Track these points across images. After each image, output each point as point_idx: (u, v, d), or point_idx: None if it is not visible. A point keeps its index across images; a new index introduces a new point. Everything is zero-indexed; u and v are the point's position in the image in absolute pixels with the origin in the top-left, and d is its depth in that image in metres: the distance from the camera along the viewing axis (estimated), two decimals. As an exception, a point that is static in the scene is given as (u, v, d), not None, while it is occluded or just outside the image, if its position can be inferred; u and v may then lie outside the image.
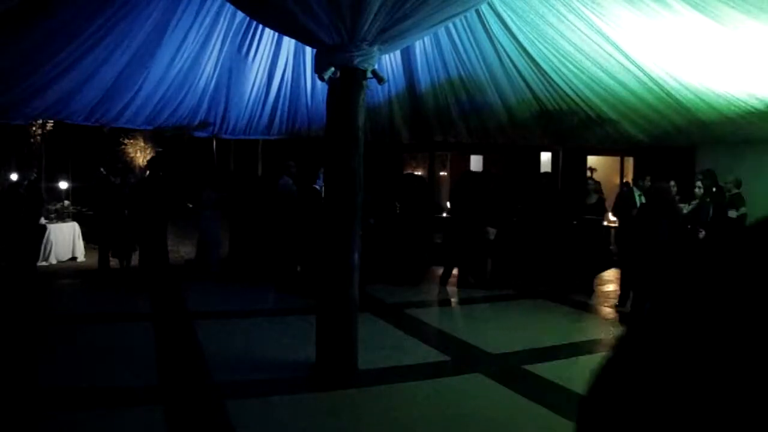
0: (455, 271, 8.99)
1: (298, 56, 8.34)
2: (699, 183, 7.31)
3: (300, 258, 8.30)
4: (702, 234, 6.93)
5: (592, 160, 14.35)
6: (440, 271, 9.90)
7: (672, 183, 6.69)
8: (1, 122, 9.26)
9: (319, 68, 4.86)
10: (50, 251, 9.49)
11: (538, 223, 9.07)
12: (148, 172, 7.99)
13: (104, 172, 8.46)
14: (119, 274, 8.34)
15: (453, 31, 7.36)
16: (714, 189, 7.26)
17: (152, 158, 8.01)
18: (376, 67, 4.92)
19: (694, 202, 7.11)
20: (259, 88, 8.97)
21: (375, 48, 4.80)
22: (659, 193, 6.59)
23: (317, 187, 8.06)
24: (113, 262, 8.66)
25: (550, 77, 7.60)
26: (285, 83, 8.95)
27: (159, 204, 7.79)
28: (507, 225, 8.62)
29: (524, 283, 8.75)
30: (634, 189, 7.79)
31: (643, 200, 7.62)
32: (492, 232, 8.39)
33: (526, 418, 4.23)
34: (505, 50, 7.37)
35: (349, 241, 4.89)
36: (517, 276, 8.91)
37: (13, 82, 7.05)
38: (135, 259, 8.50)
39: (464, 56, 7.86)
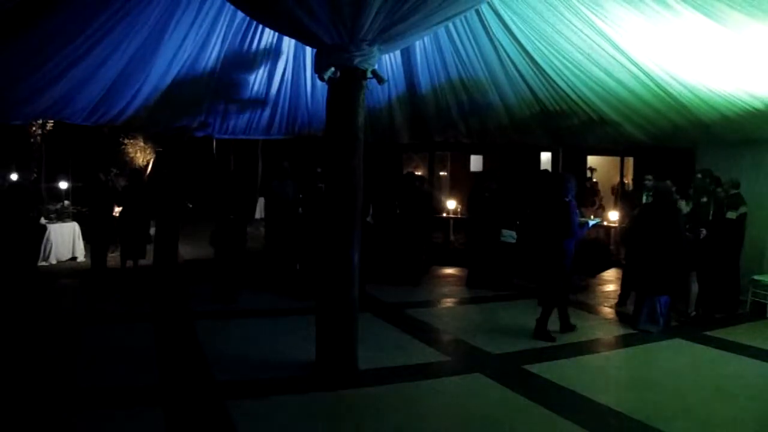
0: (456, 271, 9.00)
1: (298, 56, 8.34)
2: (692, 183, 7.33)
3: (298, 259, 8.28)
4: (703, 233, 6.93)
5: (592, 160, 14.38)
6: (440, 271, 9.92)
7: (668, 182, 6.71)
8: (1, 122, 9.24)
9: (319, 68, 4.86)
10: (50, 251, 9.49)
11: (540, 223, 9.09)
12: (149, 172, 7.98)
13: (103, 178, 8.45)
14: (117, 275, 8.33)
15: (453, 31, 7.36)
16: (717, 188, 7.26)
17: (156, 159, 8.00)
18: (376, 67, 4.92)
19: (690, 202, 7.12)
20: (259, 88, 8.96)
21: (375, 48, 4.80)
22: (661, 193, 6.59)
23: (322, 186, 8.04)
24: (112, 262, 8.66)
25: (550, 77, 7.60)
26: (285, 83, 8.95)
27: (170, 205, 7.79)
28: (520, 226, 8.62)
29: (521, 284, 8.77)
30: (644, 190, 7.77)
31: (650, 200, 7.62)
32: (510, 234, 8.36)
33: (526, 418, 4.23)
34: (505, 50, 7.37)
35: (349, 241, 4.89)
36: (512, 276, 8.92)
37: (13, 82, 7.04)
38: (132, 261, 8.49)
39: (464, 56, 7.86)
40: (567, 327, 6.43)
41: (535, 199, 9.36)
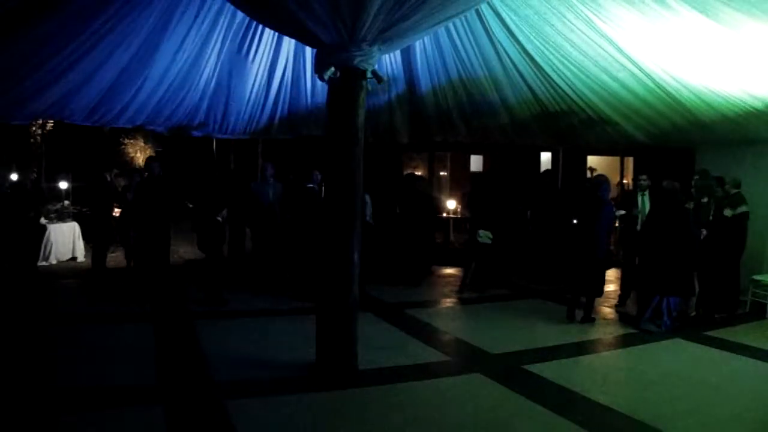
0: (456, 271, 8.97)
1: (298, 56, 8.34)
2: (693, 183, 7.33)
3: (287, 260, 8.24)
4: (703, 234, 6.93)
5: (592, 160, 14.41)
6: (440, 271, 9.92)
7: (675, 183, 6.75)
8: (1, 122, 9.24)
9: (319, 68, 4.86)
10: (50, 251, 9.49)
11: (543, 222, 9.09)
12: (147, 173, 7.92)
13: (108, 179, 8.45)
14: (117, 274, 8.33)
15: (453, 31, 7.36)
16: (718, 188, 7.26)
17: (150, 158, 7.93)
18: (376, 67, 4.92)
19: (692, 203, 7.13)
20: (259, 88, 8.97)
21: (375, 48, 4.80)
22: (668, 193, 6.63)
23: (314, 186, 8.01)
24: (112, 262, 8.65)
25: (550, 77, 7.60)
26: (285, 83, 8.95)
27: (161, 204, 7.76)
28: (503, 227, 8.52)
29: (521, 284, 8.76)
30: (638, 190, 7.77)
31: (646, 200, 7.62)
32: (486, 235, 8.28)
33: (526, 418, 4.23)
34: (505, 50, 7.36)
35: (349, 241, 4.89)
36: (512, 276, 8.92)
37: (13, 82, 7.04)
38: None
39: (464, 56, 7.86)
40: (572, 316, 6.84)
41: (536, 199, 9.39)
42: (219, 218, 7.27)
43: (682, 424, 4.15)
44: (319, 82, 5.99)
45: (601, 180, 7.11)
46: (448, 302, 8.08)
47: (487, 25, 6.94)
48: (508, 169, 13.48)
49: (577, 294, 7.01)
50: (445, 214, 11.94)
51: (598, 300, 8.09)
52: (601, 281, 6.98)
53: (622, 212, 7.68)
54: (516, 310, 7.52)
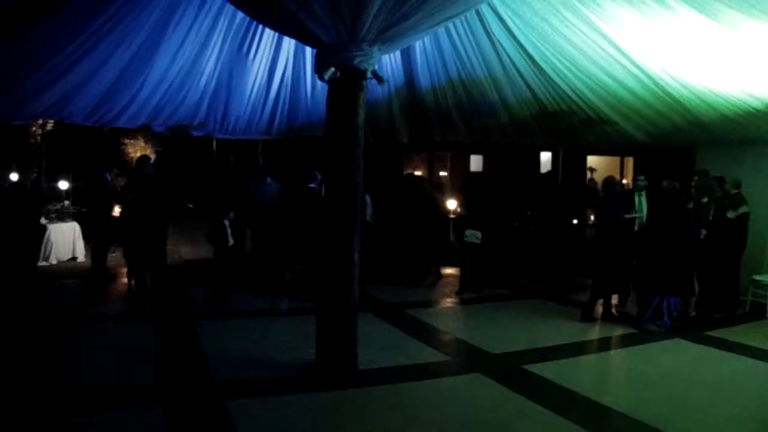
0: (456, 271, 8.98)
1: (298, 56, 8.35)
2: (693, 184, 7.34)
3: (292, 261, 8.23)
4: (703, 234, 6.93)
5: (592, 160, 14.39)
6: (440, 271, 9.90)
7: (675, 183, 6.76)
8: (1, 122, 9.25)
9: (319, 68, 4.86)
10: (50, 251, 9.48)
11: (545, 223, 9.08)
12: (135, 174, 7.84)
13: (109, 178, 8.44)
14: (117, 274, 8.31)
15: (453, 31, 7.36)
16: (718, 188, 7.26)
17: (143, 157, 7.85)
18: (376, 67, 4.92)
19: (692, 203, 7.13)
20: (259, 88, 8.97)
21: (375, 48, 4.80)
22: (668, 193, 6.64)
23: (314, 186, 8.01)
24: (112, 262, 8.64)
25: (550, 77, 7.60)
26: (285, 83, 8.96)
27: (156, 204, 7.75)
28: (496, 227, 8.47)
29: (521, 284, 8.75)
30: (635, 190, 7.77)
31: (643, 200, 7.63)
32: (474, 234, 8.16)
33: (526, 418, 4.23)
34: (505, 50, 7.37)
35: (349, 241, 4.89)
36: (512, 276, 8.91)
37: (13, 82, 7.05)
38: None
39: (464, 56, 7.86)
40: (610, 316, 6.93)
41: (536, 199, 9.39)
42: (226, 221, 7.24)
43: (682, 424, 4.16)
44: (319, 82, 5.99)
45: (609, 182, 7.14)
46: (448, 302, 8.07)
47: (487, 25, 6.94)
48: (508, 169, 13.46)
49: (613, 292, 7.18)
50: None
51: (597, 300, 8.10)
52: (605, 282, 6.98)
53: (638, 215, 7.54)
54: (516, 310, 7.51)
